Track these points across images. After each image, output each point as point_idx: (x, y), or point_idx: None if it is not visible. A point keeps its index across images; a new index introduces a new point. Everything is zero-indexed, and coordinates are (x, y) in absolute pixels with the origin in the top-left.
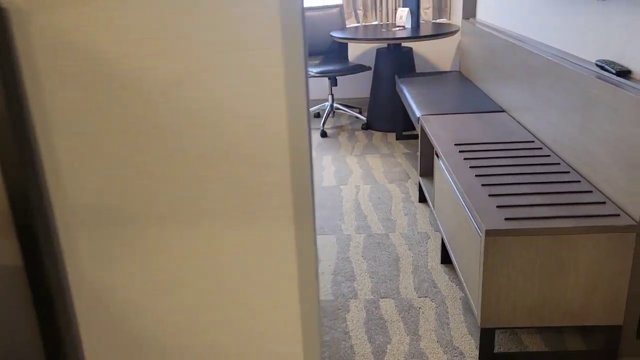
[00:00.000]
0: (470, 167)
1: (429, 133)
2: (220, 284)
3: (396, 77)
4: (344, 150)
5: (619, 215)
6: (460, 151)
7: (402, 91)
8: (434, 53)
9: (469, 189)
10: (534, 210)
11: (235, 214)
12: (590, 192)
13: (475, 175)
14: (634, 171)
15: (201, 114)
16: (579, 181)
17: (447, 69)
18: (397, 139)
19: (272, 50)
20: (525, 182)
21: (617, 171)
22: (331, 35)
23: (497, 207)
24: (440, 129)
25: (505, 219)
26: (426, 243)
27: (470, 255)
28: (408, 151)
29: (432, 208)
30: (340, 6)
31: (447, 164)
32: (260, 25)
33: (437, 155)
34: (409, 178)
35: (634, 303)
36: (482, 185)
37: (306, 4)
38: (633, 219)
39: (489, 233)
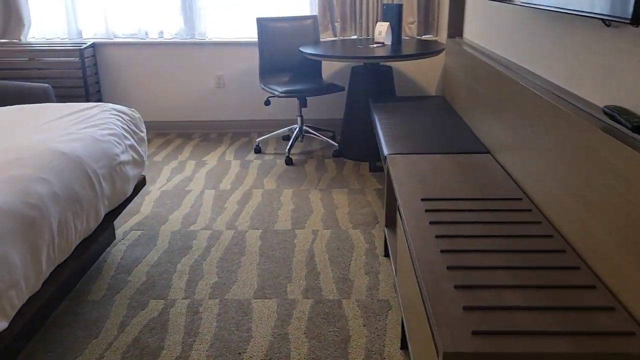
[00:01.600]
0: (436, 236)
1: (394, 180)
2: None
3: (370, 101)
4: (308, 183)
5: (634, 334)
6: (427, 210)
7: (374, 119)
8: (418, 73)
9: (430, 274)
10: (516, 318)
11: None
12: (593, 287)
13: (441, 251)
14: None
15: None
16: (578, 268)
17: (432, 92)
18: (370, 170)
19: None
20: (506, 267)
21: (628, 265)
22: (300, 51)
23: (465, 308)
24: (407, 176)
25: (474, 332)
26: (386, 316)
27: None
28: (380, 186)
29: (394, 272)
30: (314, 17)
31: (408, 229)
32: None
33: (399, 214)
34: (377, 222)
35: None
36: (449, 268)
37: (277, 14)
38: None
39: (447, 357)
